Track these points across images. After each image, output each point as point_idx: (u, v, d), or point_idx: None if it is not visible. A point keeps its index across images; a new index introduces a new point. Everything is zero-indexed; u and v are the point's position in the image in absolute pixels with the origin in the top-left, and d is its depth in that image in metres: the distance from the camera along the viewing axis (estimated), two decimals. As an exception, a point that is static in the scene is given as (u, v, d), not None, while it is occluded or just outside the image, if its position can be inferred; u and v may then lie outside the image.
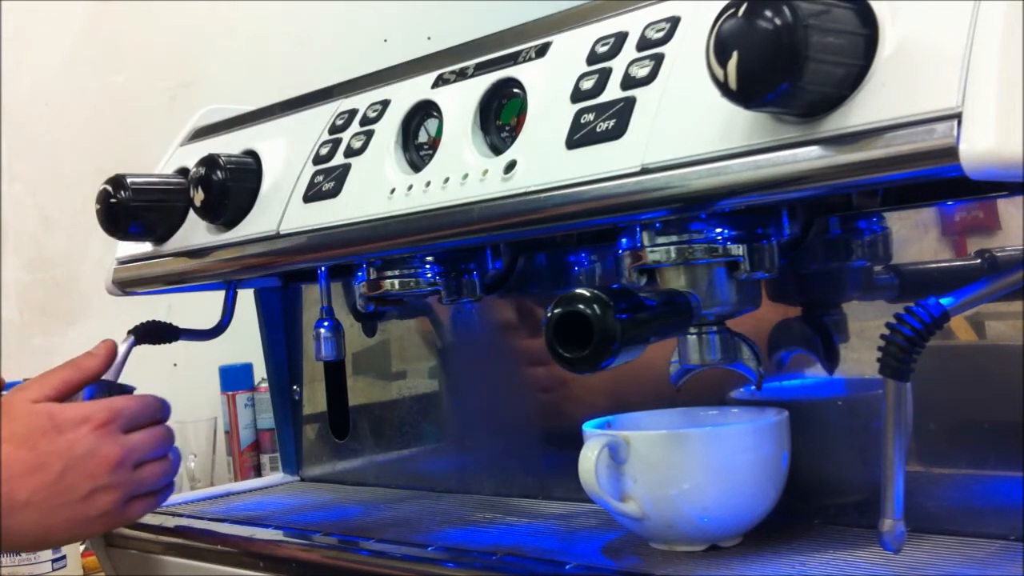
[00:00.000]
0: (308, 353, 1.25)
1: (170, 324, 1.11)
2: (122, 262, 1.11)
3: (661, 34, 0.72)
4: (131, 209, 1.00)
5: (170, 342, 1.12)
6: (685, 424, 0.84)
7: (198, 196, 0.97)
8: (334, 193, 0.89)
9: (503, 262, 0.99)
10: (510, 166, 0.77)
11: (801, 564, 0.72)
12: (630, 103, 0.71)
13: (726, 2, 0.59)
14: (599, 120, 0.72)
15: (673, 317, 0.72)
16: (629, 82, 0.72)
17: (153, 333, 1.10)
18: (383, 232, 0.84)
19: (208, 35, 1.90)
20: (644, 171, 0.68)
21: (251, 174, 0.98)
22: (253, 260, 0.96)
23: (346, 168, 0.90)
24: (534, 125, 0.77)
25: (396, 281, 0.96)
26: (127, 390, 1.00)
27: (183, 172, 1.05)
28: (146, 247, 1.07)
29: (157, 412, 0.95)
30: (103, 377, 0.98)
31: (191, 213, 1.01)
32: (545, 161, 0.74)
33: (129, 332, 1.07)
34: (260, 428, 1.70)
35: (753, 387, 0.79)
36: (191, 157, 1.03)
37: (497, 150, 0.80)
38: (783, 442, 0.78)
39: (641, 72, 0.71)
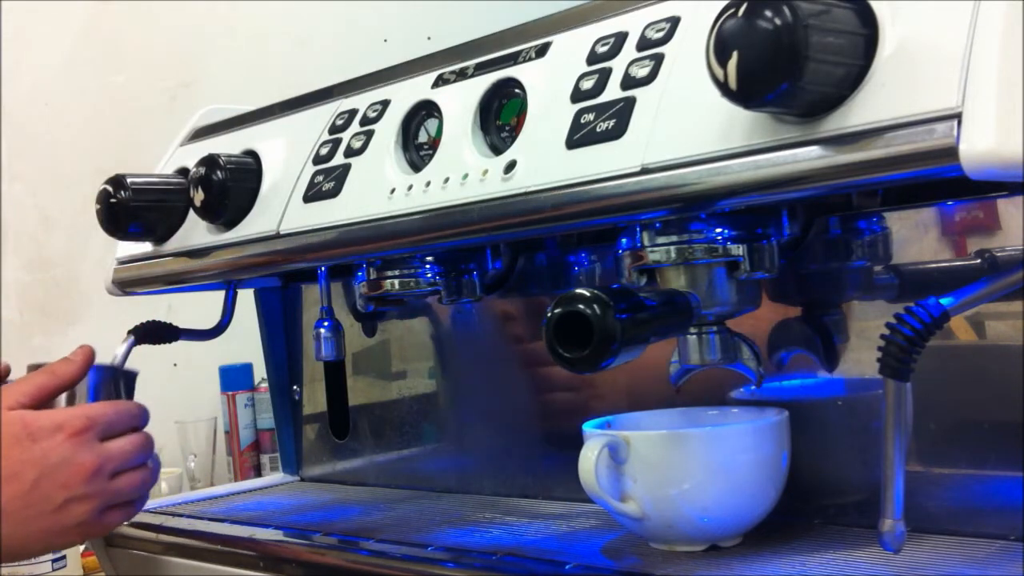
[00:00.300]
0: (308, 353, 1.25)
1: (170, 324, 1.11)
2: (122, 262, 1.11)
3: (661, 34, 0.72)
4: (131, 209, 1.00)
5: (170, 342, 1.12)
6: (685, 424, 0.84)
7: (198, 196, 0.97)
8: (334, 193, 0.89)
9: (503, 262, 0.99)
10: (510, 166, 0.77)
11: (801, 564, 0.72)
12: (630, 103, 0.71)
13: (726, 2, 0.59)
14: (599, 120, 0.72)
15: (673, 317, 0.72)
16: (629, 82, 0.72)
17: (153, 333, 1.09)
18: (383, 232, 0.84)
19: (208, 35, 1.90)
20: (644, 171, 0.68)
21: (251, 174, 0.98)
22: (253, 260, 0.96)
23: (346, 168, 0.90)
24: (534, 125, 0.77)
25: (396, 281, 0.96)
26: (131, 375, 0.99)
27: (183, 172, 1.05)
28: (146, 247, 1.07)
29: (135, 419, 0.92)
30: (103, 365, 0.97)
31: (191, 213, 1.01)
32: (545, 161, 0.74)
33: (129, 332, 1.07)
34: (260, 428, 1.70)
35: (753, 387, 0.79)
36: (191, 157, 1.03)
37: (497, 150, 0.80)
38: (783, 442, 0.78)
39: (641, 72, 0.71)
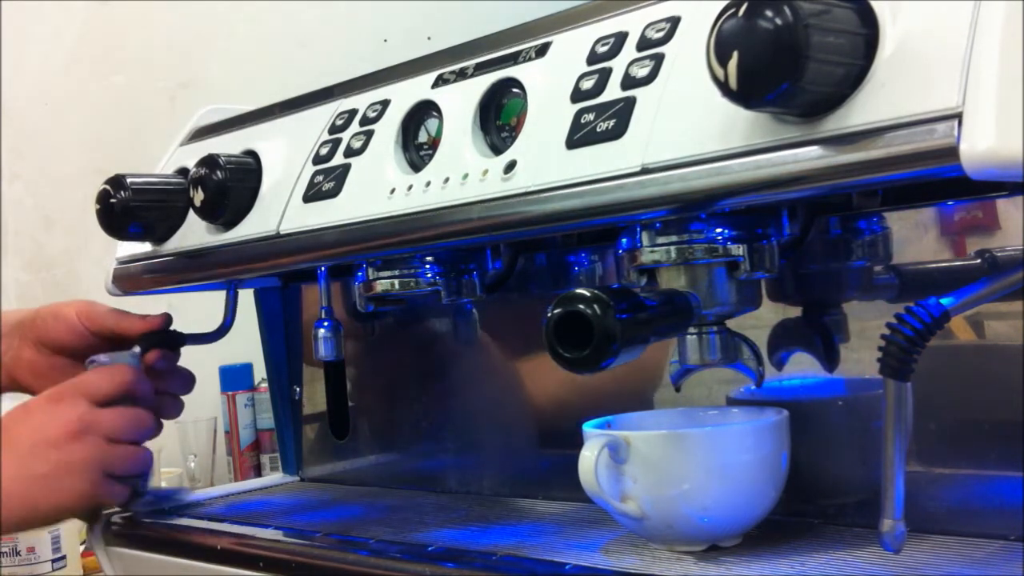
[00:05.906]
0: (308, 353, 1.25)
1: (175, 331, 1.11)
2: (122, 262, 1.11)
3: (661, 34, 0.72)
4: (131, 209, 1.00)
5: (174, 349, 1.12)
6: (685, 424, 0.84)
7: (198, 196, 0.97)
8: (334, 193, 0.89)
9: (503, 262, 0.99)
10: (510, 166, 0.77)
11: (801, 564, 0.72)
12: (630, 103, 0.71)
13: (726, 2, 0.59)
14: (599, 120, 0.72)
15: (673, 317, 0.72)
16: (629, 82, 0.72)
17: (159, 341, 1.10)
18: (383, 232, 0.84)
19: (208, 35, 1.91)
20: (644, 171, 0.68)
21: (251, 174, 0.98)
22: (253, 260, 0.96)
23: (346, 168, 0.90)
24: (534, 125, 0.77)
25: (396, 281, 0.96)
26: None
27: (183, 172, 1.05)
28: (146, 247, 1.07)
29: (130, 388, 0.95)
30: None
31: (191, 213, 1.01)
32: (545, 161, 0.74)
33: (134, 343, 1.07)
34: (260, 428, 1.70)
35: (753, 387, 0.79)
36: (191, 157, 1.03)
37: (497, 150, 0.80)
38: (783, 442, 0.78)
39: (641, 72, 0.71)
